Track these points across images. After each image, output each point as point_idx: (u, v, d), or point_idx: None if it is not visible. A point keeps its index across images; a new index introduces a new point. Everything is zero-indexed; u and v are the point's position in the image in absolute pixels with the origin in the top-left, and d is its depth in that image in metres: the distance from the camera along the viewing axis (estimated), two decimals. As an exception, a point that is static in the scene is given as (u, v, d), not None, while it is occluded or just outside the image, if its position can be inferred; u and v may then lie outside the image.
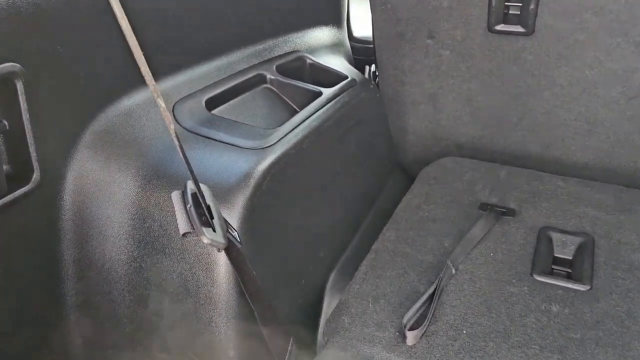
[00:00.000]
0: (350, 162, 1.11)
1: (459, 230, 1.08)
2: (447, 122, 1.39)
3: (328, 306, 1.02)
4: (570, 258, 1.03)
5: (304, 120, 0.93)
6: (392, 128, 1.42)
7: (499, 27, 1.17)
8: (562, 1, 1.09)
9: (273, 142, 0.86)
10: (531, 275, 0.97)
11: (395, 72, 1.29)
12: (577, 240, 1.05)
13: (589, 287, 0.94)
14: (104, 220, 0.82)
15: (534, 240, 1.05)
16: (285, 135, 0.89)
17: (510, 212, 1.13)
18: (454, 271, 0.97)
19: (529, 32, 1.15)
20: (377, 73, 1.55)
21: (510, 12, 1.16)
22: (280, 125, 0.91)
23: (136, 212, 0.80)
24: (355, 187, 1.17)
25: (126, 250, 0.82)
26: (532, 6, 1.11)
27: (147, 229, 0.80)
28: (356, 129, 1.12)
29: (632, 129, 1.19)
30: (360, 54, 1.55)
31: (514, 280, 0.96)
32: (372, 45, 1.56)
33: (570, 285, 0.95)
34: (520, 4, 1.13)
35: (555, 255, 1.03)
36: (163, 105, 0.52)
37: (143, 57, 0.48)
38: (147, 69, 0.49)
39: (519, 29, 1.15)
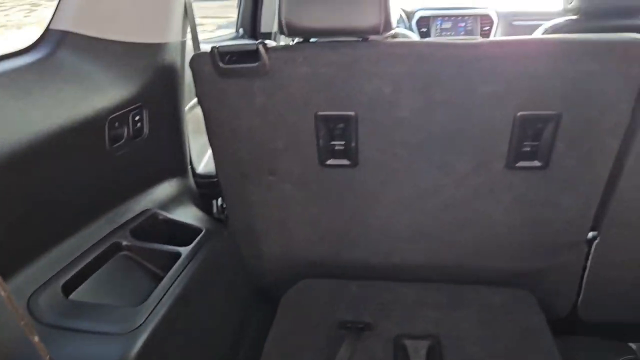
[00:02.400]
0: (215, 309, 1.15)
1: (327, 355, 1.16)
2: (299, 245, 1.52)
3: None
4: None
5: (168, 288, 0.96)
6: (247, 258, 1.49)
7: (329, 162, 1.33)
8: (377, 139, 1.29)
9: (140, 323, 0.87)
10: None
11: (243, 206, 1.38)
12: (426, 343, 1.19)
13: None
14: None
15: (391, 351, 1.17)
16: (152, 311, 0.90)
17: (368, 327, 1.25)
18: None
19: (354, 164, 1.33)
20: (224, 206, 1.62)
21: (336, 148, 1.34)
22: (145, 300, 0.92)
23: None
24: (225, 329, 1.19)
25: None
26: (353, 144, 1.30)
27: None
28: (219, 277, 1.16)
29: (449, 232, 1.41)
30: (206, 188, 1.62)
31: None
32: (216, 179, 1.65)
33: None
34: (344, 142, 1.31)
35: None
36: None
37: None
38: None
39: (345, 162, 1.33)
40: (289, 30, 1.19)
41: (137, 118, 1.13)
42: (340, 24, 1.10)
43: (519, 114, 1.13)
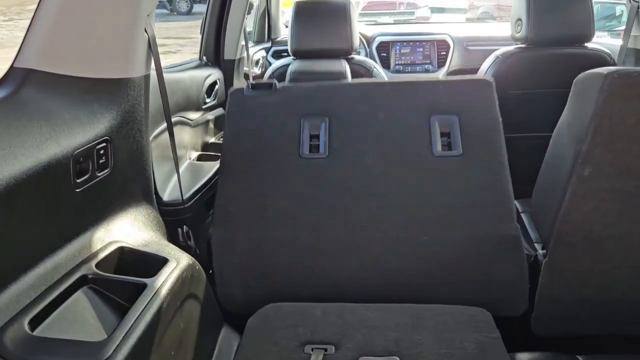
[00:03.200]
0: (183, 338, 1.17)
1: None
2: (260, 274, 1.57)
3: None
4: None
5: (134, 320, 0.98)
6: (217, 285, 1.54)
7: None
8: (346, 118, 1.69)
9: (106, 357, 0.88)
10: None
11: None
12: (388, 362, 1.24)
13: None
14: None
15: None
16: (118, 344, 0.92)
17: (331, 347, 1.29)
18: None
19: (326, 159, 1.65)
20: (190, 233, 1.65)
21: (312, 143, 1.67)
22: (111, 333, 0.94)
23: None
24: (193, 357, 1.22)
25: None
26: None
27: None
28: (186, 306, 1.19)
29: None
30: (171, 215, 1.65)
31: None
32: (181, 207, 1.67)
33: None
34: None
35: None
36: None
37: None
38: None
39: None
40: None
41: (102, 152, 1.15)
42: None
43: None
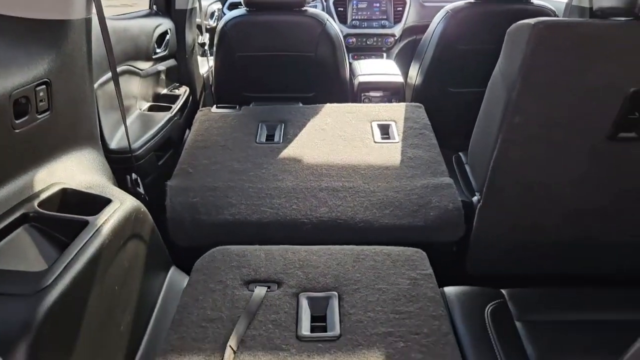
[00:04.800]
0: (127, 277, 1.21)
1: (235, 314, 1.26)
2: (211, 210, 1.62)
3: None
4: (324, 314, 1.29)
5: (75, 255, 1.01)
6: (169, 221, 1.59)
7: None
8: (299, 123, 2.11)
9: (46, 285, 0.92)
10: (296, 337, 1.19)
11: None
12: (327, 298, 1.32)
13: (339, 334, 1.20)
14: None
15: (295, 306, 1.29)
16: (59, 273, 0.95)
17: (274, 285, 1.36)
18: (232, 353, 1.14)
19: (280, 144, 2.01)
20: (138, 181, 1.67)
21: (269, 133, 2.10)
22: (51, 265, 0.97)
23: None
24: (137, 296, 1.26)
25: None
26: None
27: None
28: (127, 247, 1.22)
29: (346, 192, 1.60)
30: (119, 163, 1.66)
31: (283, 345, 1.17)
32: (129, 155, 1.69)
33: (326, 336, 1.20)
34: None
35: (313, 314, 1.28)
36: None
37: None
38: None
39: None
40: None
41: (41, 94, 1.16)
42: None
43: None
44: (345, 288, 1.35)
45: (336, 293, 1.33)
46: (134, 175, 1.65)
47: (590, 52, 1.32)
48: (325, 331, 1.23)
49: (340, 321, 1.25)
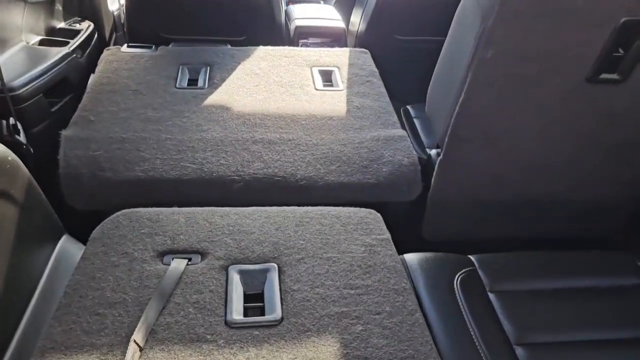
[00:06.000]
0: (5, 247, 0.89)
1: (144, 295, 0.96)
2: (118, 165, 1.30)
3: None
4: (261, 292, 1.02)
5: None
6: (63, 179, 1.27)
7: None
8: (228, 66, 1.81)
9: None
10: (225, 323, 0.92)
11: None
12: (264, 271, 1.05)
13: (280, 318, 0.94)
14: None
15: (223, 282, 1.01)
16: None
17: (196, 257, 1.07)
18: (138, 350, 0.85)
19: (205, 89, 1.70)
20: (18, 127, 1.31)
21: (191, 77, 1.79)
22: None
23: None
24: (6, 276, 0.94)
25: None
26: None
27: None
28: (8, 211, 0.90)
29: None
30: None
31: (208, 335, 0.90)
32: (3, 95, 1.32)
33: (263, 321, 0.93)
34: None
35: (247, 293, 1.01)
36: None
37: None
38: None
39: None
40: None
41: None
42: None
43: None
44: (286, 258, 1.09)
45: (275, 265, 1.06)
46: (11, 120, 1.28)
47: None
48: (263, 314, 0.97)
49: (282, 301, 0.99)
